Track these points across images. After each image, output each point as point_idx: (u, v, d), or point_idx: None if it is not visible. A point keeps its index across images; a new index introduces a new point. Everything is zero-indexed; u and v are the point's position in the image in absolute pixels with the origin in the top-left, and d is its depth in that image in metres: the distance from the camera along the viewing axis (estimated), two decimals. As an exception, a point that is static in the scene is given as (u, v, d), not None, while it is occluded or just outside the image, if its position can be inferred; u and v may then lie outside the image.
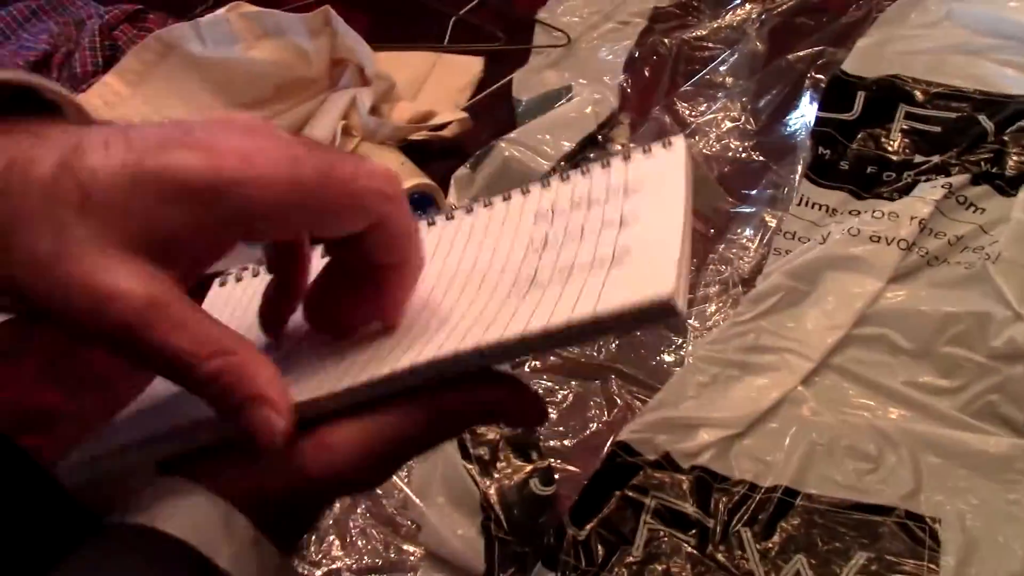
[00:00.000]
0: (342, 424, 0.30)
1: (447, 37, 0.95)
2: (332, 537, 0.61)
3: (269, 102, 0.81)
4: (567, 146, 0.79)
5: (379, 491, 0.63)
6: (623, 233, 0.32)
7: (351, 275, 0.32)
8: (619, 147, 0.81)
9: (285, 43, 0.79)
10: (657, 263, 0.29)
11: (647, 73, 0.87)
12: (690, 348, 0.67)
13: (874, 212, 0.70)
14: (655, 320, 0.28)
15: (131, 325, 0.27)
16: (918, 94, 0.79)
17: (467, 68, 0.92)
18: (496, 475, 0.63)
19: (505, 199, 0.37)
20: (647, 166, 0.35)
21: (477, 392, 0.31)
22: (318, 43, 0.79)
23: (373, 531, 0.62)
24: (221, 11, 0.80)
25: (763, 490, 0.59)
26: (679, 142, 0.35)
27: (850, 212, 0.72)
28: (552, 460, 0.63)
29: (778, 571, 0.56)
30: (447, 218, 0.37)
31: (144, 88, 0.80)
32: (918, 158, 0.74)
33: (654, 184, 0.33)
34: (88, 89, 0.76)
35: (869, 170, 0.75)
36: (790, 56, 0.85)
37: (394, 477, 0.63)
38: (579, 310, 0.28)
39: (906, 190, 0.72)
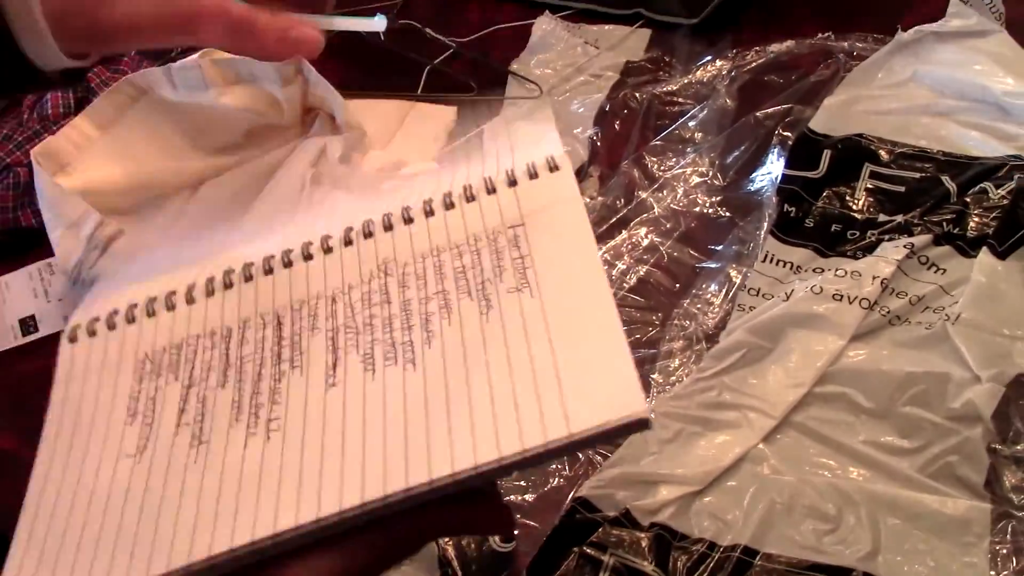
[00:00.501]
0: (307, 556, 0.30)
1: (421, 86, 0.95)
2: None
3: (240, 148, 0.81)
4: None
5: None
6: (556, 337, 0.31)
7: None
8: (587, 200, 0.81)
9: (257, 90, 0.79)
10: (613, 372, 0.29)
11: (617, 126, 0.88)
12: (653, 403, 0.67)
13: (837, 270, 0.70)
14: (625, 435, 0.28)
15: None
16: (883, 154, 0.80)
17: (440, 118, 0.92)
18: (455, 529, 0.62)
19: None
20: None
21: (445, 513, 0.31)
22: (290, 91, 0.79)
23: (329, 585, 0.61)
24: (194, 57, 0.80)
25: (722, 549, 0.59)
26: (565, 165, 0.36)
27: (814, 270, 0.72)
28: (513, 515, 0.63)
29: (735, 632, 0.56)
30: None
31: (115, 131, 0.79)
32: (882, 217, 0.75)
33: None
34: (58, 131, 0.76)
35: (834, 228, 0.75)
36: (759, 113, 0.86)
37: (352, 530, 0.62)
38: (552, 432, 0.28)
39: (869, 249, 0.73)
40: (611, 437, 0.28)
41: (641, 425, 0.28)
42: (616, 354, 0.29)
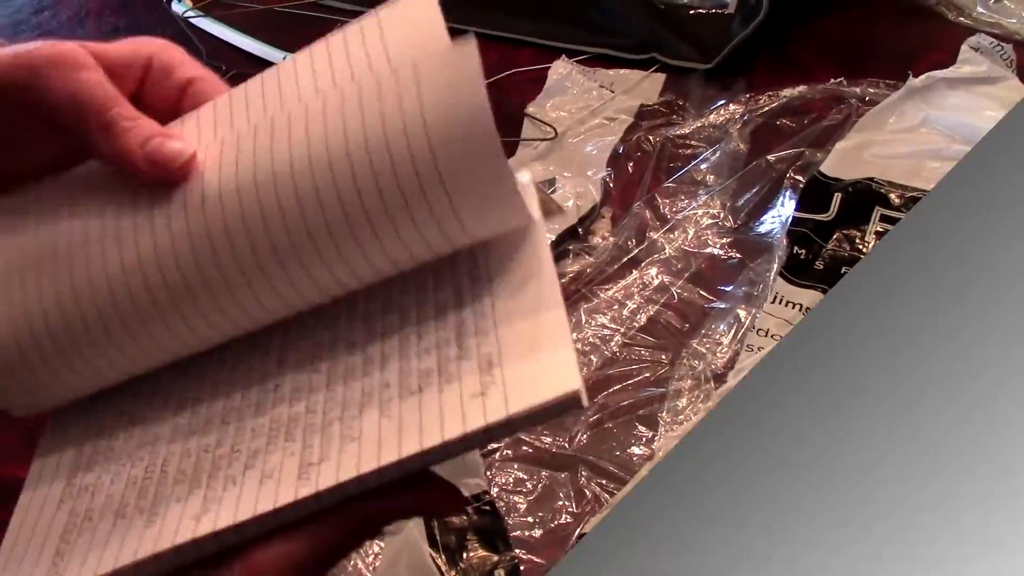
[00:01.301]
0: (270, 544, 0.31)
1: (438, 127, 0.97)
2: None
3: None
4: (548, 238, 0.81)
5: (343, 577, 0.63)
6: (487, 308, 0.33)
7: None
8: (599, 240, 0.83)
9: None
10: (551, 350, 0.30)
11: (630, 168, 0.89)
12: (661, 442, 0.68)
13: (845, 312, 0.71)
14: (561, 414, 0.29)
15: (68, 62, 0.33)
16: (894, 197, 0.81)
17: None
18: (462, 565, 0.62)
19: None
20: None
21: (399, 496, 0.32)
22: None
23: (335, 618, 0.61)
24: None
25: (727, 588, 0.59)
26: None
27: (823, 311, 0.73)
28: (518, 551, 0.63)
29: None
30: None
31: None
32: (892, 260, 0.76)
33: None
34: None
35: (843, 271, 0.76)
36: (770, 156, 0.87)
37: (359, 563, 0.63)
38: (491, 414, 0.29)
39: (878, 291, 0.73)
40: (545, 418, 0.29)
41: (575, 404, 0.28)
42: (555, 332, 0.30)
